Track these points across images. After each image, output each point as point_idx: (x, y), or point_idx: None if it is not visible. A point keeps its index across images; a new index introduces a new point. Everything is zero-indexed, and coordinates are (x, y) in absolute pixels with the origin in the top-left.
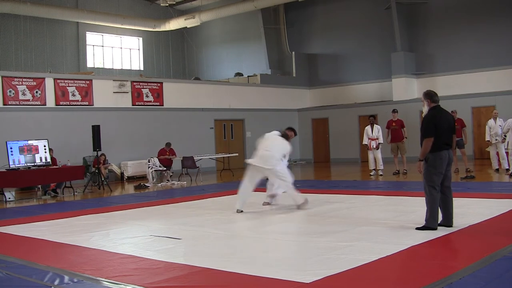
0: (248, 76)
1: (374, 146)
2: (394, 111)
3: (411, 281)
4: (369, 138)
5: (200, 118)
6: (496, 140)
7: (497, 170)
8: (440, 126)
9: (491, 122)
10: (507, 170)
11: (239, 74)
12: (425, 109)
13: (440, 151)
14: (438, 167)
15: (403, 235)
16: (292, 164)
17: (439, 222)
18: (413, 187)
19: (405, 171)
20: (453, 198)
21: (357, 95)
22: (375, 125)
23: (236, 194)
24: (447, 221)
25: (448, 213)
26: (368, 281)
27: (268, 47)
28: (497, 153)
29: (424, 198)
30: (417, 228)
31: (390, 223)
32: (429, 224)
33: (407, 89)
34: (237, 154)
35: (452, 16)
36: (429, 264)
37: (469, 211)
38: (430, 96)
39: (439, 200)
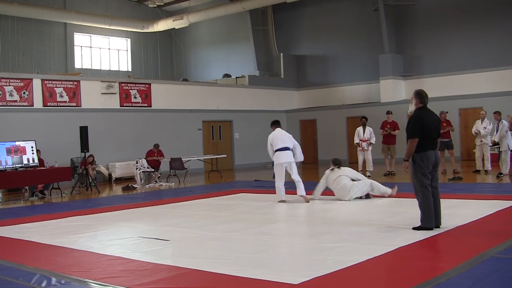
0: (236, 77)
1: (366, 148)
2: (389, 112)
3: (399, 282)
4: (360, 140)
5: (188, 119)
6: (481, 141)
7: (477, 171)
8: (427, 127)
9: (478, 123)
10: (486, 172)
11: (227, 75)
12: (411, 108)
13: (425, 151)
14: (425, 168)
15: (391, 236)
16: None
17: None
18: (402, 189)
19: (392, 172)
20: (441, 199)
21: (345, 97)
22: (367, 126)
23: (229, 195)
24: (435, 222)
25: (436, 214)
26: (356, 282)
27: (256, 48)
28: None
29: (414, 199)
30: (414, 228)
31: (378, 224)
32: (425, 225)
33: (394, 90)
34: (225, 156)
35: (440, 18)
36: (417, 265)
37: (457, 212)
38: (420, 96)
39: (431, 200)
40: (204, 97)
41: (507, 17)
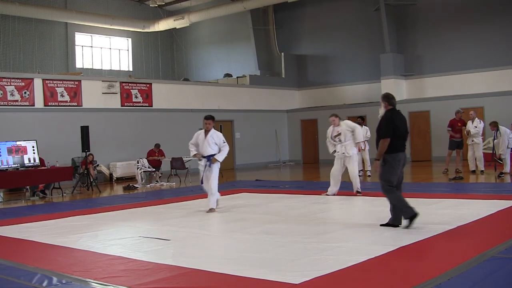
0: (237, 77)
1: (363, 148)
2: None
3: (400, 281)
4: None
5: (189, 119)
6: (472, 141)
7: (473, 171)
8: (398, 128)
9: (468, 123)
10: (482, 172)
11: (228, 75)
12: (382, 111)
13: (397, 152)
14: (396, 168)
15: (391, 236)
16: (281, 165)
17: (387, 222)
18: (406, 189)
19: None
20: (442, 199)
21: (346, 96)
22: (363, 126)
23: (230, 194)
24: (397, 221)
25: (397, 213)
26: (357, 282)
27: (257, 48)
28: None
29: (415, 199)
30: (406, 227)
31: (378, 224)
32: (408, 215)
33: (396, 90)
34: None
35: (441, 17)
36: (418, 265)
37: (457, 211)
38: (387, 99)
39: (399, 193)
40: (205, 96)
41: (507, 17)
